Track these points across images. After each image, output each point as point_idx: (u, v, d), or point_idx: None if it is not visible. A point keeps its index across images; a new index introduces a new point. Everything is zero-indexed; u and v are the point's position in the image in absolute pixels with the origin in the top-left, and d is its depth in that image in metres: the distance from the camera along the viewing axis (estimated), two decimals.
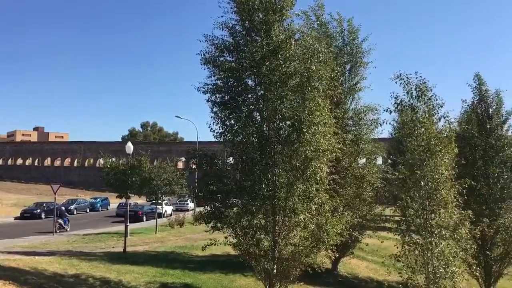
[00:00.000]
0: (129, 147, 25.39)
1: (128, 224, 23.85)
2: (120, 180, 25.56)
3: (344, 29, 21.53)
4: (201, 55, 13.33)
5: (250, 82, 13.30)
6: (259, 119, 13.12)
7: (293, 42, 12.75)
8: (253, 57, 12.53)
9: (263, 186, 12.38)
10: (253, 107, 13.15)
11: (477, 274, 19.02)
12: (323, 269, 14.55)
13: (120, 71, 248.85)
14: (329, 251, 14.83)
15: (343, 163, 19.88)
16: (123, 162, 28.00)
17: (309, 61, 12.61)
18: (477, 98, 19.65)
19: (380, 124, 20.78)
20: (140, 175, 26.42)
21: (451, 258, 11.90)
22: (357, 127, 21.20)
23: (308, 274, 13.22)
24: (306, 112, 12.27)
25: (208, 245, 13.08)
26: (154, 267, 17.39)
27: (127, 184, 25.23)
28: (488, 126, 19.03)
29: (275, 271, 12.69)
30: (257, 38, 12.83)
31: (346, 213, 14.27)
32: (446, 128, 13.36)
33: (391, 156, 34.89)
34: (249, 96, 13.24)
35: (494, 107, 19.41)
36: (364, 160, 21.74)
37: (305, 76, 12.50)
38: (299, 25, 13.95)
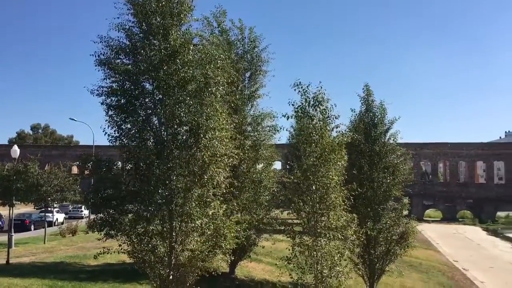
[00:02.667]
0: (15, 150, 23.55)
1: (13, 234, 21.99)
2: (2, 187, 23.54)
3: (245, 37, 22.05)
4: (95, 56, 12.85)
5: (147, 86, 13.06)
6: (157, 124, 12.95)
7: (191, 47, 12.77)
8: (150, 61, 12.35)
9: (160, 191, 12.26)
10: (150, 111, 12.94)
11: (363, 272, 20.57)
12: (220, 273, 14.67)
13: (4, 69, 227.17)
14: (226, 255, 14.99)
15: (242, 168, 20.34)
16: (7, 167, 25.82)
17: (207, 67, 12.75)
18: (365, 107, 21.26)
19: (278, 131, 21.62)
20: (26, 181, 24.55)
21: (336, 258, 12.73)
22: (256, 133, 21.79)
23: (204, 279, 13.27)
24: (204, 117, 12.36)
25: (101, 254, 12.55)
26: (40, 279, 16.25)
27: (11, 191, 23.29)
28: (373, 134, 20.66)
29: (171, 277, 12.56)
30: (154, 41, 12.65)
31: (240, 215, 14.61)
32: (339, 137, 14.26)
33: (288, 162, 36.35)
34: (147, 100, 13.00)
35: (378, 117, 21.14)
36: (261, 165, 22.38)
37: (203, 82, 12.60)
38: (197, 30, 14.03)
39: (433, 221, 79.15)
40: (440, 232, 62.35)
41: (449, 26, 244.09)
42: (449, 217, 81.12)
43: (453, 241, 54.48)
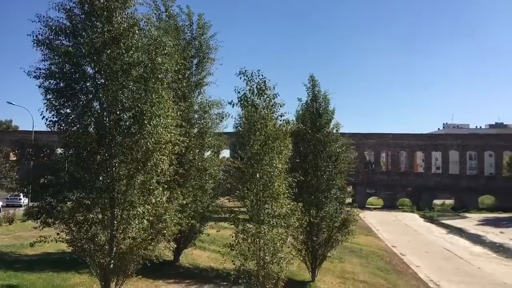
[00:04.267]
0: None
1: None
2: None
3: (193, 23, 21.71)
4: (33, 36, 12.22)
5: (89, 70, 12.60)
6: (99, 109, 12.56)
7: (137, 31, 12.44)
8: (92, 44, 11.92)
9: (101, 178, 11.96)
10: (91, 96, 12.50)
11: (305, 258, 21.14)
12: (162, 261, 14.58)
13: None
14: (170, 242, 14.91)
15: (188, 156, 20.18)
16: None
17: (154, 53, 12.48)
18: (311, 97, 21.69)
19: (225, 118, 21.59)
20: None
21: (279, 245, 13.01)
22: (202, 121, 21.63)
23: (148, 267, 13.14)
24: (149, 103, 12.13)
25: (37, 242, 12.11)
26: None
27: None
28: (318, 124, 21.13)
29: (111, 266, 12.34)
30: (97, 23, 12.19)
31: (185, 202, 14.55)
32: (284, 125, 14.43)
33: (236, 150, 36.41)
34: (88, 84, 12.55)
35: (323, 107, 21.63)
36: (209, 153, 22.30)
37: (149, 67, 12.34)
38: (143, 14, 13.62)
39: (374, 209, 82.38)
40: (381, 219, 64.97)
41: (392, 20, 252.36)
42: (390, 205, 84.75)
43: (392, 227, 56.93)
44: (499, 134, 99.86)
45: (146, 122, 11.98)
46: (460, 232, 56.03)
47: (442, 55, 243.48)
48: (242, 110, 14.66)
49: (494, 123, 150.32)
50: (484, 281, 29.23)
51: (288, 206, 13.89)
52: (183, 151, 16.44)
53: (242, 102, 14.04)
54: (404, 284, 25.29)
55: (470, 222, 66.58)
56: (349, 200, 25.73)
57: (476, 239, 50.05)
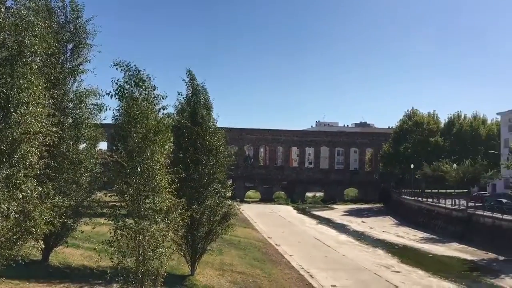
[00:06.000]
0: None
1: None
2: None
3: (66, 5, 20.15)
4: None
5: None
6: None
7: (2, 9, 11.19)
8: None
9: None
10: None
11: (185, 252, 21.09)
12: (29, 261, 13.42)
13: None
14: (39, 241, 13.73)
15: (61, 147, 18.78)
16: None
17: (22, 34, 11.34)
18: (191, 91, 21.62)
19: (103, 109, 20.44)
20: None
21: (160, 240, 12.78)
22: (78, 111, 20.27)
23: (13, 268, 12.00)
24: (15, 89, 11.00)
25: None
26: None
27: None
28: (198, 117, 21.14)
29: None
30: None
31: (57, 198, 13.54)
32: (165, 118, 14.15)
33: (114, 142, 34.83)
34: None
35: (203, 101, 21.73)
36: (84, 145, 21.00)
37: (16, 50, 11.19)
38: None
39: (252, 202, 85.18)
40: (258, 211, 67.46)
41: (267, 23, 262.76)
42: (267, 198, 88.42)
43: (269, 219, 59.49)
44: (363, 133, 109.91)
45: (12, 110, 10.85)
46: (328, 222, 60.63)
47: (312, 57, 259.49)
48: (119, 102, 14.02)
49: (359, 122, 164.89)
50: (348, 266, 32.07)
51: (171, 201, 13.69)
52: (56, 143, 15.22)
53: (119, 93, 13.45)
54: (279, 273, 26.63)
55: (337, 213, 72.41)
56: (229, 194, 26.23)
57: (342, 229, 54.65)
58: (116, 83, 13.37)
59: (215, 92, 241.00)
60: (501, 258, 36.79)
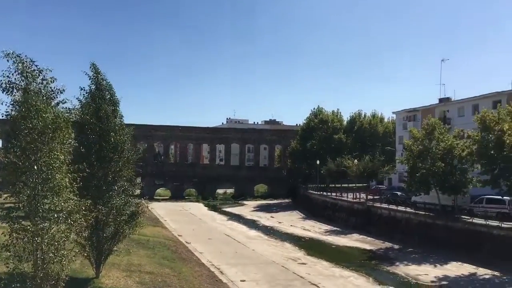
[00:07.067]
0: None
1: None
2: None
3: None
4: None
5: None
6: None
7: None
8: None
9: None
10: None
11: (90, 254, 20.14)
12: None
13: None
14: None
15: None
16: None
17: None
18: (94, 86, 20.65)
19: None
20: None
21: (61, 242, 12.09)
22: None
23: None
24: None
25: None
26: None
27: None
28: (103, 113, 20.24)
29: None
30: None
31: None
32: (65, 113, 13.39)
33: (9, 139, 32.22)
34: None
35: (108, 96, 20.90)
36: None
37: None
38: None
39: (163, 200, 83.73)
40: (169, 209, 66.47)
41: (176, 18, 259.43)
42: (178, 195, 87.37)
43: (179, 217, 58.88)
44: (272, 130, 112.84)
45: None
46: (239, 218, 61.48)
47: (222, 54, 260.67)
48: (8, 96, 13.01)
49: (269, 120, 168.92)
50: (257, 261, 32.84)
51: (73, 202, 12.98)
52: None
53: (7, 87, 12.50)
54: (189, 271, 26.48)
55: (247, 208, 73.69)
56: (138, 192, 25.50)
57: (252, 224, 55.75)
58: (8, 76, 12.40)
59: (124, 89, 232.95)
60: (396, 247, 39.98)
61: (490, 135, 35.36)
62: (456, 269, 31.28)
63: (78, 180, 13.66)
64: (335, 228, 51.30)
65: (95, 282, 19.91)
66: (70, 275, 14.08)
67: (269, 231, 50.02)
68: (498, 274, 29.40)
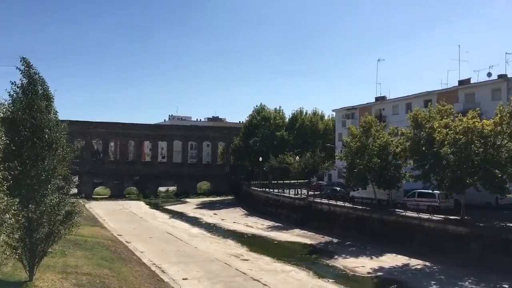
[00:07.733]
0: None
1: None
2: None
3: None
4: None
5: None
6: None
7: None
8: None
9: None
10: None
11: (22, 256, 19.19)
12: None
13: None
14: None
15: None
16: None
17: None
18: (27, 81, 19.66)
19: None
20: None
21: None
22: None
23: None
24: None
25: None
26: None
27: None
28: (35, 108, 19.32)
29: None
30: None
31: None
32: None
33: None
34: None
35: (41, 91, 19.97)
36: None
37: None
38: None
39: (102, 199, 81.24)
40: (108, 208, 64.62)
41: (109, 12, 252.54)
42: (118, 194, 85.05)
43: (119, 216, 57.40)
44: (215, 127, 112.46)
45: None
46: (181, 216, 60.89)
47: (164, 50, 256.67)
48: None
49: (211, 117, 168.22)
50: (200, 259, 32.76)
51: (3, 202, 12.34)
52: None
53: None
54: (129, 271, 25.91)
55: (190, 206, 73.10)
56: (74, 190, 24.58)
57: (194, 221, 55.41)
58: None
59: (59, 84, 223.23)
60: (335, 240, 41.29)
61: (422, 132, 37.30)
62: (391, 260, 32.82)
63: (9, 178, 13.02)
64: (278, 224, 52.11)
65: (29, 285, 19.02)
66: (1, 279, 13.39)
67: (212, 228, 49.97)
68: (429, 264, 31.18)
